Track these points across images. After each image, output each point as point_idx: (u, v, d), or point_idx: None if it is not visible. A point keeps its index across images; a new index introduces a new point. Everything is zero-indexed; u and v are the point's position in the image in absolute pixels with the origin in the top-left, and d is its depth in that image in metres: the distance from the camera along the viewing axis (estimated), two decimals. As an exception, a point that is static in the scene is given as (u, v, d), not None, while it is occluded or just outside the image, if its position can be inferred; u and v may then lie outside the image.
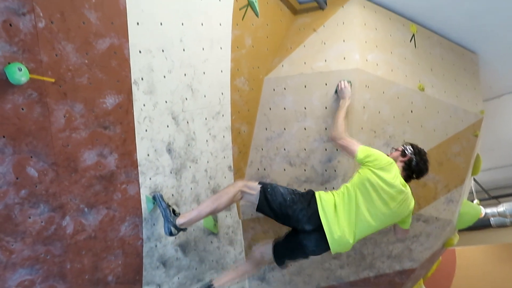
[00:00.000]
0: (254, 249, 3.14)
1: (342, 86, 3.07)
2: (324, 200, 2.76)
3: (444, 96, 3.64)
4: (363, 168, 2.80)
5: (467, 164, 4.00)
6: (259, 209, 2.80)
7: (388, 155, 2.88)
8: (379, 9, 3.41)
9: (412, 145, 2.97)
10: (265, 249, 3.01)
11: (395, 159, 2.88)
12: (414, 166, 2.90)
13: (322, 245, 2.78)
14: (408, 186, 2.89)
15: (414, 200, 2.96)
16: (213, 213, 2.77)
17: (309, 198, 2.78)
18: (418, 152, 2.94)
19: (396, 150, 3.00)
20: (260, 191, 2.76)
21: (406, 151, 2.93)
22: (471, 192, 7.48)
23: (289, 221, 2.80)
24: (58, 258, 2.37)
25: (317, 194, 2.80)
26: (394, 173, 2.78)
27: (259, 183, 2.84)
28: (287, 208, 2.74)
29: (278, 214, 2.77)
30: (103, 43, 2.27)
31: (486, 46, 4.01)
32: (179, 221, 2.62)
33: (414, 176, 2.94)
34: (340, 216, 2.74)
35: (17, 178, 2.10)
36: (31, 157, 2.13)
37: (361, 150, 2.81)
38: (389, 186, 2.74)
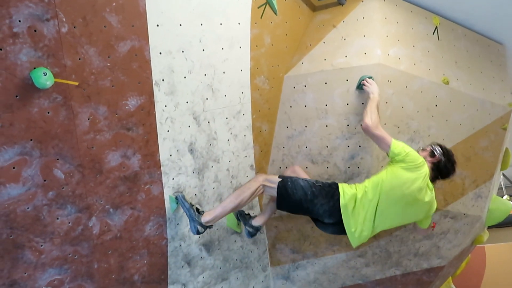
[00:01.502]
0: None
1: (369, 83, 2.97)
2: (347, 195, 2.77)
3: (470, 89, 3.54)
4: (393, 164, 2.76)
5: (496, 159, 3.89)
6: (279, 203, 2.83)
7: None
8: (400, 2, 3.34)
9: (440, 146, 2.92)
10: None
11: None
12: (442, 167, 2.86)
13: (336, 232, 2.90)
14: (433, 189, 2.86)
15: (436, 200, 2.94)
16: (237, 209, 2.81)
17: (332, 192, 2.78)
18: (447, 153, 2.89)
19: (424, 150, 2.94)
20: (281, 185, 2.79)
21: (435, 152, 2.87)
22: (500, 188, 7.29)
23: (310, 214, 2.88)
24: (86, 258, 2.42)
25: (340, 188, 2.80)
26: (424, 174, 2.73)
27: (279, 176, 2.88)
28: (308, 203, 2.77)
29: (298, 207, 2.82)
30: (124, 45, 2.30)
31: (513, 36, 3.89)
32: (205, 218, 2.65)
33: (440, 177, 2.91)
34: (359, 211, 2.76)
35: (44, 180, 2.16)
36: (58, 159, 2.18)
37: (395, 145, 2.74)
38: (416, 188, 2.71)
